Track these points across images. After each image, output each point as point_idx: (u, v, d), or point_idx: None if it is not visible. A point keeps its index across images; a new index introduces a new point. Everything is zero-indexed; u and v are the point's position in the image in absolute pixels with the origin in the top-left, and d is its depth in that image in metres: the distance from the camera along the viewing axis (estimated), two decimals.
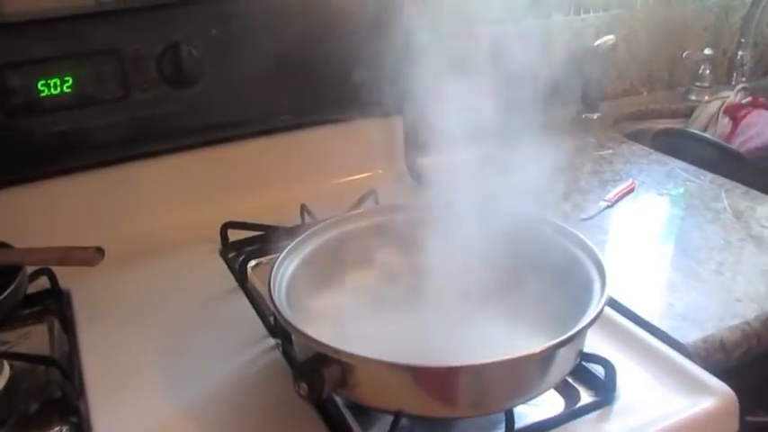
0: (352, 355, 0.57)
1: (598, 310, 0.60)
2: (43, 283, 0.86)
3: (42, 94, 0.90)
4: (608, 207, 1.01)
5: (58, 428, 0.67)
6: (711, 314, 0.77)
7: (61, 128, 0.92)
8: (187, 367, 0.74)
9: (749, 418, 0.81)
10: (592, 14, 1.38)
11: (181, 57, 0.93)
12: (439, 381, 0.58)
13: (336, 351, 0.57)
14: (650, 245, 0.94)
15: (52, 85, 0.90)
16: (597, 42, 1.34)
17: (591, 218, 0.98)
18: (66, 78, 0.91)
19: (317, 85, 1.05)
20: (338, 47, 1.02)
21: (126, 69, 0.92)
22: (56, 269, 0.86)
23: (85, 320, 0.83)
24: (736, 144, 1.30)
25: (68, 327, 0.82)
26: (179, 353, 0.77)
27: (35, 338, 0.81)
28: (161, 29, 0.93)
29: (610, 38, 1.34)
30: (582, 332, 0.60)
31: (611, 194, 1.03)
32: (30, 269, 0.81)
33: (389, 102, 0.97)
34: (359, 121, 1.09)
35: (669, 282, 0.85)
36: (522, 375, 0.60)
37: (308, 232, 0.75)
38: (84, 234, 0.94)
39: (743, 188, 1.06)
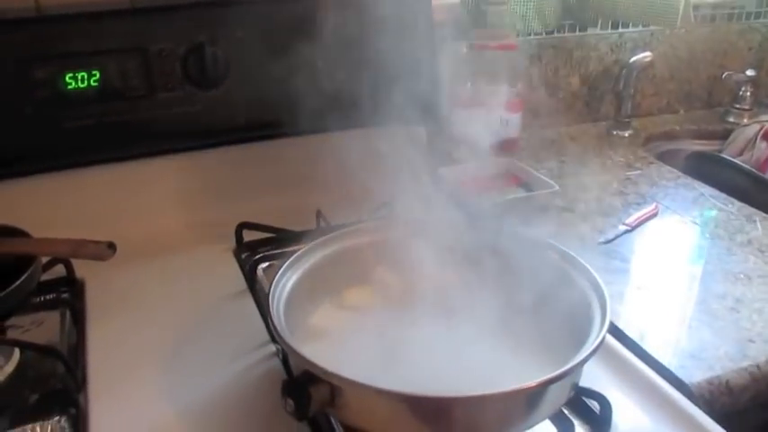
0: (341, 378, 0.57)
1: (594, 345, 0.59)
2: (60, 270, 0.88)
3: (69, 87, 0.91)
4: (627, 231, 0.99)
5: (56, 418, 0.68)
6: (721, 354, 0.75)
7: (86, 121, 0.93)
8: (188, 368, 0.75)
9: None
10: (630, 29, 1.35)
11: (205, 58, 0.94)
12: (428, 410, 0.58)
13: (326, 372, 0.57)
14: (666, 274, 0.91)
15: (80, 78, 0.92)
16: (633, 59, 1.31)
17: (608, 242, 0.96)
18: (94, 73, 0.92)
19: (340, 90, 1.05)
20: (363, 53, 1.01)
21: (151, 67, 0.94)
22: (73, 259, 0.88)
23: (96, 312, 0.84)
24: None
25: (79, 318, 0.84)
26: (182, 353, 0.78)
27: (47, 326, 0.83)
28: (187, 29, 0.94)
29: (646, 55, 1.31)
30: (578, 367, 0.59)
31: (632, 218, 1.01)
32: (45, 257, 0.83)
33: (413, 110, 0.96)
34: (381, 129, 1.08)
35: (681, 316, 0.83)
36: (513, 408, 0.59)
37: (311, 245, 0.75)
38: (103, 227, 0.96)
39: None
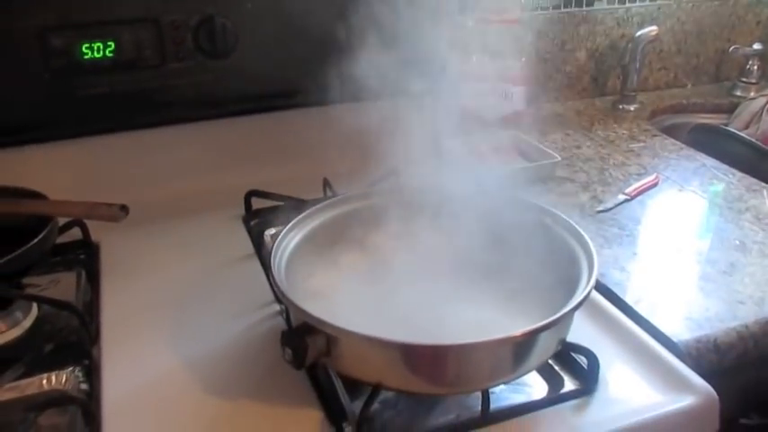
0: (335, 328, 0.60)
1: (578, 300, 0.62)
2: (76, 233, 0.92)
3: (85, 57, 0.95)
4: (627, 200, 1.01)
5: (71, 369, 0.72)
6: (710, 314, 0.77)
7: (101, 90, 0.97)
8: (196, 324, 0.79)
9: (743, 421, 0.81)
10: (637, 3, 1.35)
11: (215, 29, 0.97)
12: (417, 357, 0.61)
13: (321, 322, 0.60)
14: (662, 240, 0.94)
15: (95, 48, 0.95)
16: (639, 32, 1.32)
17: (607, 210, 0.98)
18: (109, 43, 0.95)
19: (347, 61, 1.07)
20: (371, 25, 1.03)
21: (164, 38, 0.97)
22: (88, 222, 0.92)
23: (110, 272, 0.88)
24: None
25: (93, 277, 0.88)
26: (191, 310, 0.81)
27: (63, 285, 0.87)
28: (198, 1, 0.97)
29: (652, 29, 1.31)
30: (562, 319, 0.61)
31: (632, 188, 1.03)
32: (63, 221, 0.87)
33: (420, 83, 0.98)
34: (388, 100, 1.10)
35: (674, 279, 0.85)
36: (499, 357, 0.61)
37: (312, 209, 0.78)
38: (117, 192, 1.00)
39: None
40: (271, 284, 0.81)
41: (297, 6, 1.01)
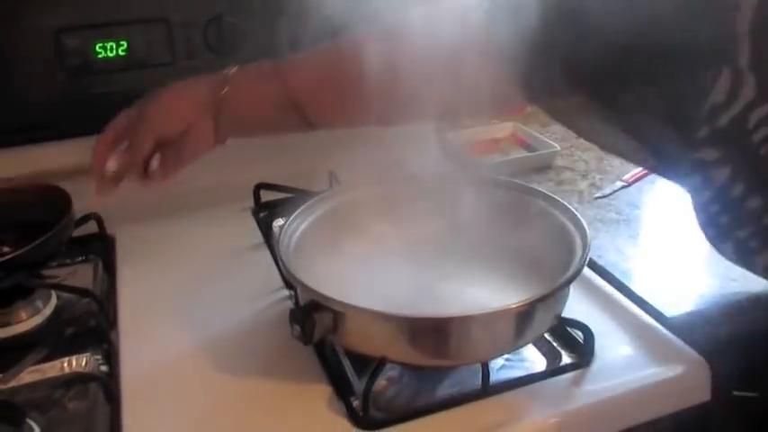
0: (341, 303, 0.63)
1: (571, 273, 0.65)
2: (92, 227, 0.96)
3: (99, 56, 0.99)
4: (624, 187, 1.04)
5: (90, 353, 0.76)
6: (703, 291, 0.80)
7: (114, 88, 1.01)
8: (209, 309, 0.82)
9: (736, 393, 0.84)
10: None
11: (224, 28, 1.01)
12: (419, 330, 0.64)
13: (327, 299, 0.64)
14: (658, 224, 0.97)
15: (108, 48, 0.99)
16: None
17: (605, 196, 1.01)
18: (122, 42, 0.99)
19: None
20: (372, 22, 1.07)
21: (173, 37, 1.01)
22: (104, 215, 0.96)
23: (125, 263, 0.92)
24: None
25: (110, 268, 0.91)
26: (203, 296, 0.85)
27: (80, 276, 0.91)
28: (207, 1, 1.01)
29: None
30: (557, 292, 0.64)
31: (630, 175, 1.06)
32: (79, 213, 0.91)
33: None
34: None
35: (669, 258, 0.88)
36: (498, 329, 0.65)
37: (318, 197, 0.81)
38: (132, 187, 1.04)
39: None
40: (279, 269, 0.85)
41: (305, 3, 1.05)
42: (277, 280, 0.86)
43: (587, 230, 0.71)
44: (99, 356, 0.76)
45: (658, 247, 0.91)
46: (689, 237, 0.92)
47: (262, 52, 1.05)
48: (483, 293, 0.73)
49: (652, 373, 0.69)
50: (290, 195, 1.02)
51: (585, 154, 1.15)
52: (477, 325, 0.63)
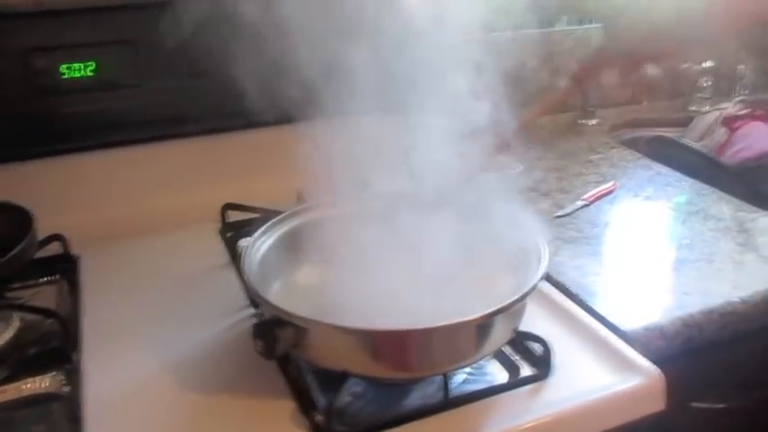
0: (302, 318, 0.64)
1: (527, 289, 0.67)
2: (56, 248, 0.96)
3: (65, 77, 0.99)
4: (585, 206, 1.06)
5: (53, 373, 0.75)
6: (658, 305, 0.83)
7: (81, 108, 1.02)
8: (174, 328, 0.83)
9: (694, 405, 0.86)
10: (593, 25, 1.43)
11: (190, 50, 1.02)
12: (379, 343, 0.65)
13: (289, 314, 0.65)
14: (615, 240, 0.99)
15: (75, 68, 1.00)
16: None
17: (566, 215, 1.03)
18: (89, 63, 1.00)
19: (319, 81, 1.12)
20: (339, 48, 1.09)
21: (141, 59, 1.02)
22: (68, 236, 0.96)
23: (90, 284, 0.92)
24: (729, 154, 1.33)
25: (74, 288, 0.91)
26: (168, 316, 0.85)
27: (45, 297, 0.91)
28: (174, 23, 1.02)
29: None
30: (513, 305, 0.66)
31: (590, 194, 1.08)
32: (42, 234, 0.90)
33: (389, 101, 1.04)
34: (360, 118, 1.16)
35: (626, 275, 0.90)
36: (457, 341, 0.66)
37: (283, 215, 0.83)
38: (98, 206, 1.04)
39: (720, 194, 1.10)
40: (247, 291, 0.85)
41: (271, 30, 1.06)
42: (243, 299, 0.87)
43: (545, 248, 0.72)
44: (62, 377, 0.75)
45: (616, 263, 0.94)
46: (646, 254, 0.95)
47: (229, 74, 1.07)
48: (444, 307, 0.74)
49: (609, 383, 0.71)
50: (256, 215, 1.02)
51: (548, 174, 1.18)
52: (437, 337, 0.64)
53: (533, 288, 0.67)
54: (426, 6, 1.28)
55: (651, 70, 0.77)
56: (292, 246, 0.81)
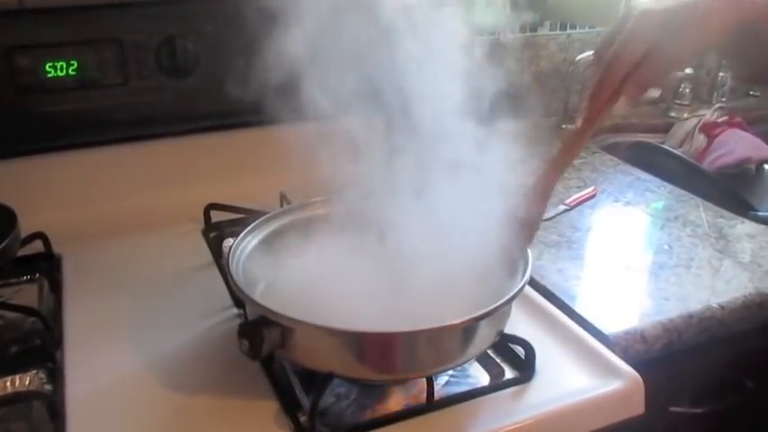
0: (289, 318, 0.64)
1: (512, 293, 0.67)
2: (38, 246, 0.95)
3: (49, 75, 0.99)
4: (566, 210, 1.08)
5: (35, 371, 0.75)
6: (638, 309, 0.84)
7: (65, 107, 1.01)
8: (157, 328, 0.82)
9: (673, 409, 0.88)
10: (578, 30, 1.44)
11: (176, 49, 1.02)
12: (365, 344, 0.65)
13: (275, 314, 0.65)
14: (597, 245, 1.01)
15: (59, 67, 0.99)
16: (579, 57, 1.40)
17: (548, 219, 1.05)
18: (72, 62, 1.00)
19: (303, 83, 1.12)
20: (324, 49, 1.09)
21: (126, 58, 1.01)
22: (50, 235, 0.95)
23: (72, 282, 0.91)
24: (708, 160, 1.36)
25: (56, 287, 0.90)
26: (151, 315, 0.85)
27: (26, 296, 0.90)
28: (160, 23, 1.02)
29: (591, 53, 1.40)
30: (498, 310, 0.66)
31: (572, 199, 1.10)
32: (25, 233, 0.90)
33: (371, 103, 1.04)
34: (343, 120, 1.16)
35: (607, 279, 0.91)
36: (442, 344, 0.66)
37: (268, 215, 0.83)
38: (81, 205, 1.04)
39: (698, 200, 1.12)
40: (228, 285, 0.86)
41: (256, 28, 1.06)
42: (226, 299, 0.87)
43: (529, 252, 0.73)
44: (43, 375, 0.75)
45: (597, 267, 0.95)
46: (627, 258, 0.96)
47: (214, 74, 1.07)
48: (430, 310, 0.74)
49: (589, 386, 0.72)
50: (240, 216, 1.02)
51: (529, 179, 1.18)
52: (423, 340, 0.65)
53: (519, 291, 0.68)
54: (410, 10, 1.30)
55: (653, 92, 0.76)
56: (277, 246, 0.81)
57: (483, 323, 0.66)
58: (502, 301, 0.66)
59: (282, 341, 0.66)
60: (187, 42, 1.03)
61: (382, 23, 1.12)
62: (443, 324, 0.64)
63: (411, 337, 0.64)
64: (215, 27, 1.04)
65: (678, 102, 1.52)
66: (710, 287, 0.89)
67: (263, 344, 0.65)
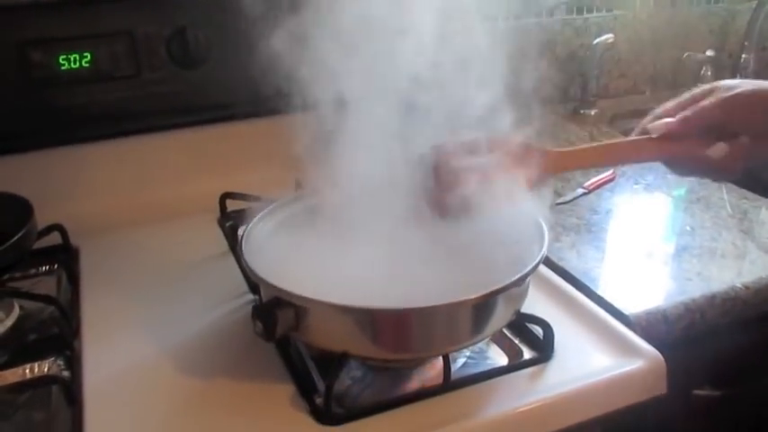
0: (302, 298, 0.64)
1: (529, 268, 0.66)
2: (55, 238, 0.95)
3: (62, 68, 0.99)
4: (585, 194, 1.06)
5: (53, 359, 0.76)
6: (660, 290, 0.82)
7: (79, 100, 1.01)
8: (173, 315, 0.82)
9: (696, 392, 0.86)
10: (594, 14, 1.42)
11: (188, 40, 1.02)
12: (380, 322, 0.65)
13: (289, 294, 0.64)
14: (617, 227, 0.99)
15: (72, 60, 0.99)
16: (596, 41, 1.38)
17: (566, 202, 1.03)
18: (85, 55, 1.00)
19: (316, 71, 1.12)
20: (339, 37, 1.08)
21: (138, 50, 1.02)
22: (68, 227, 0.95)
23: (90, 274, 0.92)
24: None
25: (74, 278, 0.91)
26: (168, 303, 0.85)
27: (44, 287, 0.91)
28: (171, 14, 1.02)
29: (609, 36, 1.38)
30: (514, 285, 0.65)
31: (590, 182, 1.08)
32: (42, 225, 0.90)
33: (386, 90, 1.03)
34: (358, 108, 1.15)
35: (628, 261, 0.90)
36: (458, 321, 0.65)
37: (281, 201, 0.82)
38: (96, 197, 1.04)
39: (721, 182, 1.09)
40: (242, 269, 0.85)
41: (268, 17, 1.06)
42: (242, 286, 0.86)
43: (546, 229, 0.72)
44: (61, 362, 0.75)
45: (618, 249, 0.93)
46: (648, 241, 0.94)
47: (226, 64, 1.07)
48: (444, 288, 0.73)
49: (610, 366, 0.70)
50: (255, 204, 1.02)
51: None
52: (438, 316, 0.64)
53: (534, 268, 0.66)
54: None
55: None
56: (291, 229, 0.80)
57: (499, 300, 0.65)
58: (517, 276, 0.65)
59: (296, 322, 0.65)
60: (198, 33, 1.03)
61: (396, 9, 1.12)
62: (458, 300, 0.63)
63: (424, 314, 0.63)
64: (226, 17, 1.04)
65: (700, 85, 1.49)
66: (735, 268, 0.87)
67: (277, 325, 0.65)
